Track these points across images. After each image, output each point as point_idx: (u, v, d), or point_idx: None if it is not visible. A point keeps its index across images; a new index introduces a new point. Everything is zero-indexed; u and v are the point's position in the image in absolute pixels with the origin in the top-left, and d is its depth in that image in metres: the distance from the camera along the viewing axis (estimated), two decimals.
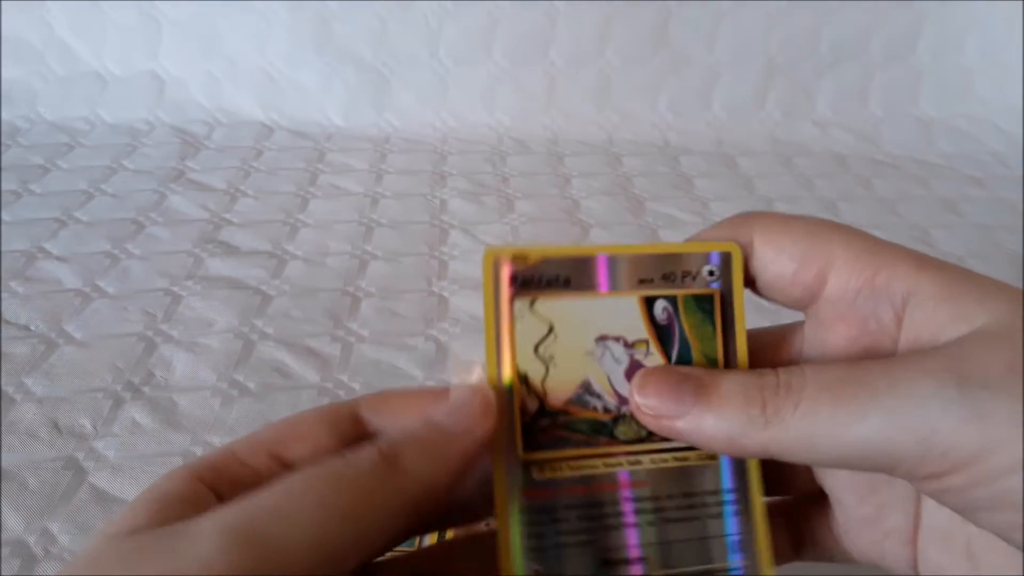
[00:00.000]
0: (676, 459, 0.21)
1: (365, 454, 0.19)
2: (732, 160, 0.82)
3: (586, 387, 0.21)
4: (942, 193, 0.76)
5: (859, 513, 0.22)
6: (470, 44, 0.88)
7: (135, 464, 0.42)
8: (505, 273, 0.21)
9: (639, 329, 0.21)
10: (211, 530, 0.17)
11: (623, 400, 0.21)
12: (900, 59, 0.92)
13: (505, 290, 0.21)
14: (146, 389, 0.47)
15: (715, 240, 0.22)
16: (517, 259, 0.21)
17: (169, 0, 0.87)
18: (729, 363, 0.22)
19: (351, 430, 0.22)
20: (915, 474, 0.18)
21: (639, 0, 0.88)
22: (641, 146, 0.85)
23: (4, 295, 0.55)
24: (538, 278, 0.21)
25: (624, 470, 0.21)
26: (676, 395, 0.20)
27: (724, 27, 0.89)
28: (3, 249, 0.61)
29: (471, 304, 0.56)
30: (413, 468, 0.19)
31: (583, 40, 0.89)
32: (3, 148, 0.79)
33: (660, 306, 0.21)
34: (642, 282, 0.21)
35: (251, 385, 0.48)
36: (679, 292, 0.22)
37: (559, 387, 0.21)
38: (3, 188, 0.71)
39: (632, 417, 0.21)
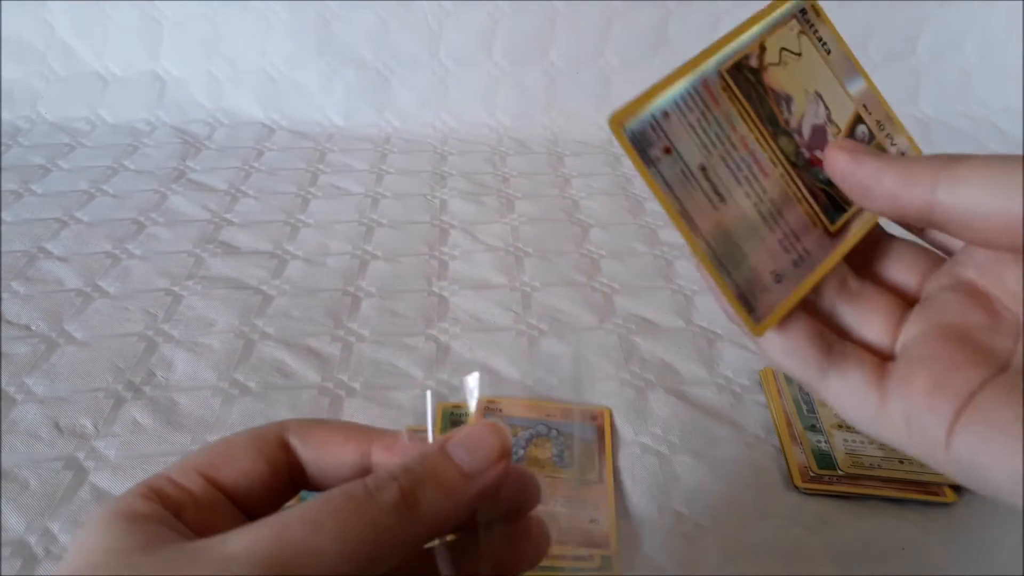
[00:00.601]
0: (794, 195, 0.24)
1: (387, 491, 0.19)
2: None
3: (787, 99, 0.25)
4: None
5: (924, 371, 0.21)
6: (470, 44, 0.88)
7: (136, 464, 0.42)
8: (797, 8, 0.27)
9: (842, 123, 0.26)
10: (244, 558, 0.17)
11: (800, 131, 0.25)
12: (900, 59, 0.92)
13: (794, 11, 0.26)
14: (147, 389, 0.47)
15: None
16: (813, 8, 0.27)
17: (170, 0, 0.87)
18: None
19: (279, 456, 0.22)
20: None
21: (639, 0, 0.88)
22: None
23: (5, 295, 0.55)
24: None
25: (762, 151, 0.24)
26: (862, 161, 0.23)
27: (724, 27, 0.89)
28: (4, 249, 0.61)
29: (471, 304, 0.56)
30: (430, 510, 0.20)
31: (583, 40, 0.89)
32: (4, 148, 0.79)
33: (861, 129, 0.26)
34: (865, 107, 0.27)
35: (251, 385, 0.48)
36: (878, 134, 0.27)
37: (775, 79, 0.25)
38: (4, 188, 0.71)
39: (797, 144, 0.25)
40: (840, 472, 0.41)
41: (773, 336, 0.23)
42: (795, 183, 0.24)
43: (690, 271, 0.61)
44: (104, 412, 0.45)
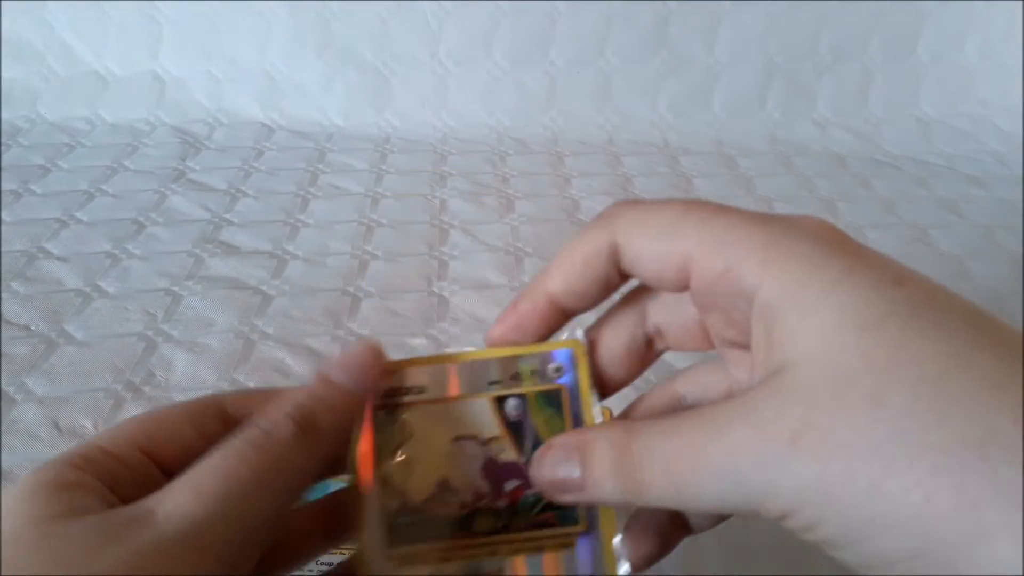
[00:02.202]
0: (532, 548, 0.22)
1: (284, 427, 0.20)
2: (732, 160, 0.82)
3: (443, 485, 0.22)
4: (942, 193, 0.76)
5: None
6: (470, 44, 0.88)
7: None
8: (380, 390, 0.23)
9: (493, 427, 0.23)
10: (175, 520, 0.18)
11: (480, 495, 0.22)
12: (900, 59, 0.92)
13: (367, 403, 0.23)
14: (146, 389, 0.47)
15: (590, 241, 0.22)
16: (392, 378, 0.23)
17: (169, 0, 0.87)
18: None
19: (216, 426, 0.22)
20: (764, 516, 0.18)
21: (639, 0, 0.88)
22: (641, 146, 0.85)
23: (5, 295, 0.55)
24: (397, 388, 0.23)
25: (481, 559, 0.22)
26: (567, 474, 0.21)
27: (724, 27, 0.89)
28: (4, 249, 0.61)
29: (471, 304, 0.56)
30: (328, 432, 0.21)
31: (583, 40, 0.89)
32: (4, 148, 0.79)
33: (511, 404, 0.23)
34: (492, 383, 0.23)
35: (251, 385, 0.48)
36: (528, 390, 0.23)
37: (419, 487, 0.22)
38: (4, 188, 0.71)
39: (488, 509, 0.22)
40: None
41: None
42: (524, 542, 0.23)
43: None
44: (104, 412, 0.45)
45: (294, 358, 0.50)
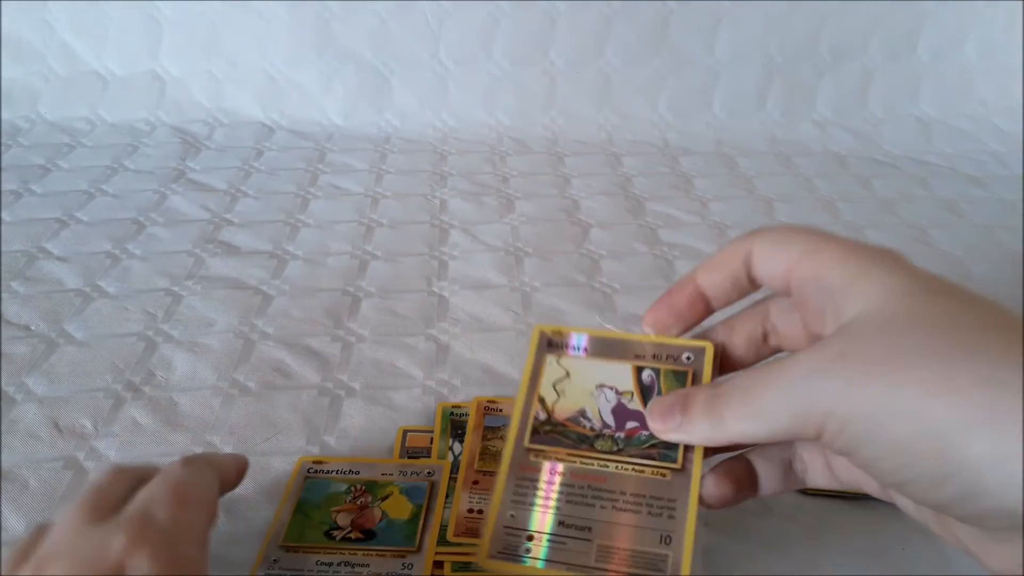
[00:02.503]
0: (635, 470, 0.30)
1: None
2: (732, 160, 0.82)
3: (581, 412, 0.31)
4: (942, 193, 0.76)
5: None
6: (470, 44, 0.88)
7: (136, 464, 0.42)
8: (544, 340, 0.33)
9: (629, 384, 0.31)
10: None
11: (606, 425, 0.31)
12: (900, 59, 0.92)
13: (544, 349, 0.33)
14: (146, 389, 0.47)
15: (731, 251, 0.30)
16: (555, 333, 0.33)
17: (169, 0, 0.87)
18: None
19: None
20: (811, 437, 0.25)
21: (639, 0, 0.88)
22: (641, 146, 0.85)
23: (5, 295, 0.55)
24: (567, 344, 0.33)
25: (593, 468, 0.30)
26: (669, 416, 0.29)
27: (724, 27, 0.89)
28: (4, 249, 0.61)
29: (471, 304, 0.56)
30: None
31: (583, 40, 0.89)
32: (4, 148, 0.79)
33: (646, 373, 0.32)
34: (637, 356, 0.32)
35: (251, 385, 0.48)
36: (662, 367, 0.32)
37: (564, 409, 0.31)
38: (4, 188, 0.71)
39: (609, 436, 0.30)
40: None
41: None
42: (630, 465, 0.30)
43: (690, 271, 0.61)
44: (104, 412, 0.45)
45: (294, 358, 0.50)
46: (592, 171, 0.79)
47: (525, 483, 0.30)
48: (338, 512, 0.37)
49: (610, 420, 0.31)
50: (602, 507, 0.29)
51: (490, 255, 0.63)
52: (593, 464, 0.30)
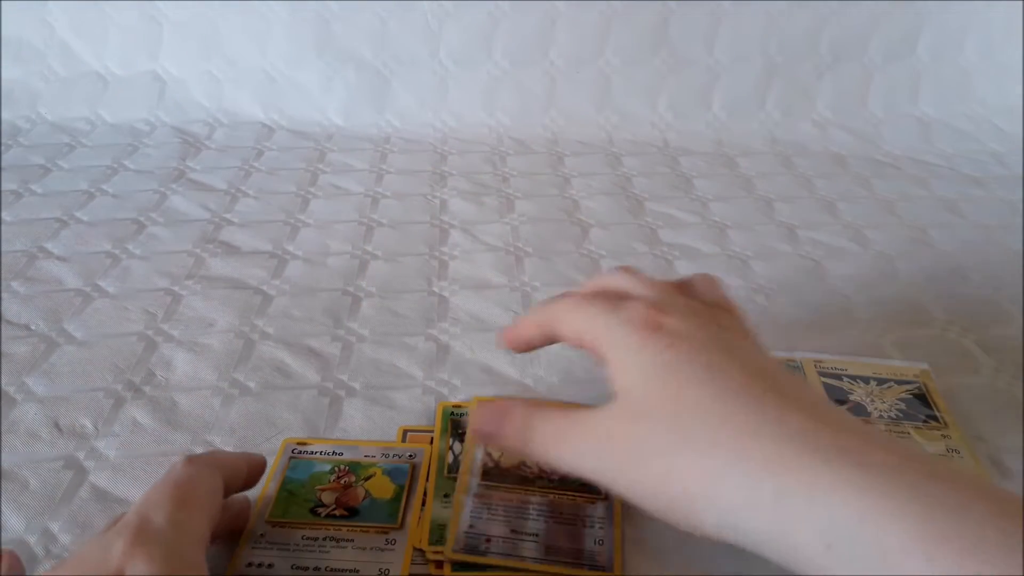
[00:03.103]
0: (567, 497, 0.38)
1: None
2: (732, 160, 0.82)
3: (524, 463, 0.40)
4: (942, 193, 0.76)
5: None
6: (470, 44, 0.88)
7: (136, 464, 0.42)
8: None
9: None
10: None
11: (544, 471, 0.39)
12: (900, 59, 0.92)
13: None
14: (147, 389, 0.47)
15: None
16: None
17: (170, 1, 0.87)
18: None
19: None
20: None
21: (639, 0, 0.88)
22: (641, 146, 0.85)
23: (5, 295, 0.55)
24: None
25: (534, 495, 0.38)
26: (490, 426, 0.33)
27: (724, 27, 0.89)
28: (4, 249, 0.61)
29: (471, 304, 0.56)
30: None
31: (583, 40, 0.89)
32: (4, 148, 0.79)
33: None
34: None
35: (251, 385, 0.48)
36: None
37: (508, 460, 0.40)
38: (4, 188, 0.71)
39: (546, 478, 0.38)
40: None
41: None
42: (562, 495, 0.38)
43: (690, 271, 0.61)
44: (104, 412, 0.45)
45: (294, 358, 0.50)
46: (592, 171, 0.79)
47: (480, 508, 0.37)
48: (323, 490, 0.38)
49: (546, 467, 0.38)
50: (545, 521, 0.36)
51: (490, 255, 0.63)
52: (536, 495, 0.38)
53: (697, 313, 0.31)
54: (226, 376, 0.48)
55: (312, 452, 0.41)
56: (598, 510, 0.37)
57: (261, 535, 0.36)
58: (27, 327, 0.52)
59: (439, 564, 0.35)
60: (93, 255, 0.61)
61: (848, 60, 0.91)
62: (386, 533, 0.36)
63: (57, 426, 0.44)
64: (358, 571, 0.34)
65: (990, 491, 0.23)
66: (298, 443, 0.42)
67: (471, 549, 0.35)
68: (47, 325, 0.52)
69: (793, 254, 0.64)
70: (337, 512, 0.37)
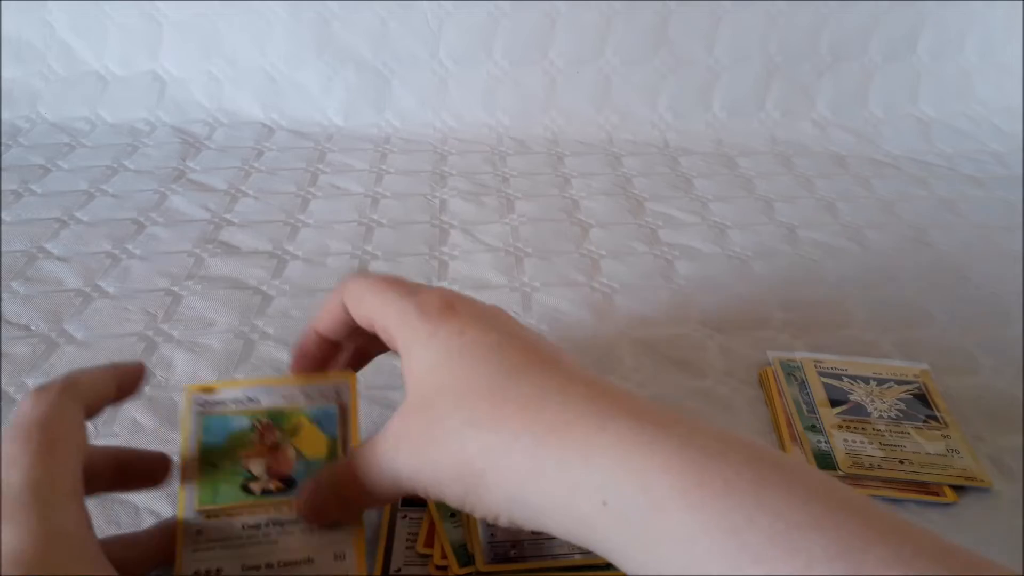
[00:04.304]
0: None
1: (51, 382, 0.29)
2: (732, 160, 0.82)
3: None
4: (941, 193, 0.76)
5: None
6: (470, 44, 0.88)
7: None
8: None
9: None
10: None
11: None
12: (900, 59, 0.92)
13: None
14: (147, 389, 0.47)
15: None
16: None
17: (170, 1, 0.87)
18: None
19: None
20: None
21: (639, 0, 0.88)
22: (641, 146, 0.85)
23: (5, 295, 0.55)
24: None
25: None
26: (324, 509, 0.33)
27: (724, 27, 0.89)
28: (4, 249, 0.61)
29: None
30: (84, 387, 0.30)
31: (583, 40, 0.89)
32: (4, 148, 0.79)
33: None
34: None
35: None
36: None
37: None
38: (4, 188, 0.71)
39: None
40: (840, 472, 0.41)
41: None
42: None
43: (690, 271, 0.61)
44: (104, 412, 0.45)
45: None
46: (592, 171, 0.79)
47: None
48: (248, 458, 0.33)
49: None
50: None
51: (490, 255, 0.63)
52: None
53: (481, 302, 0.31)
54: (226, 376, 0.48)
55: (221, 402, 0.34)
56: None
57: (198, 532, 0.31)
58: (27, 327, 0.52)
59: (442, 568, 0.35)
60: (93, 255, 0.61)
61: (848, 60, 0.91)
62: None
63: None
64: (312, 560, 0.31)
65: (745, 442, 0.24)
66: (202, 390, 0.34)
67: (501, 558, 0.34)
68: (47, 325, 0.52)
69: (793, 254, 0.64)
70: (272, 486, 0.32)
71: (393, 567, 0.35)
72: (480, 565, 0.34)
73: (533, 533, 0.36)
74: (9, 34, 0.86)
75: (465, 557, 0.35)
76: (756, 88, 0.90)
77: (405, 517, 0.38)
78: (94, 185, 0.72)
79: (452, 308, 0.29)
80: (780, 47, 0.90)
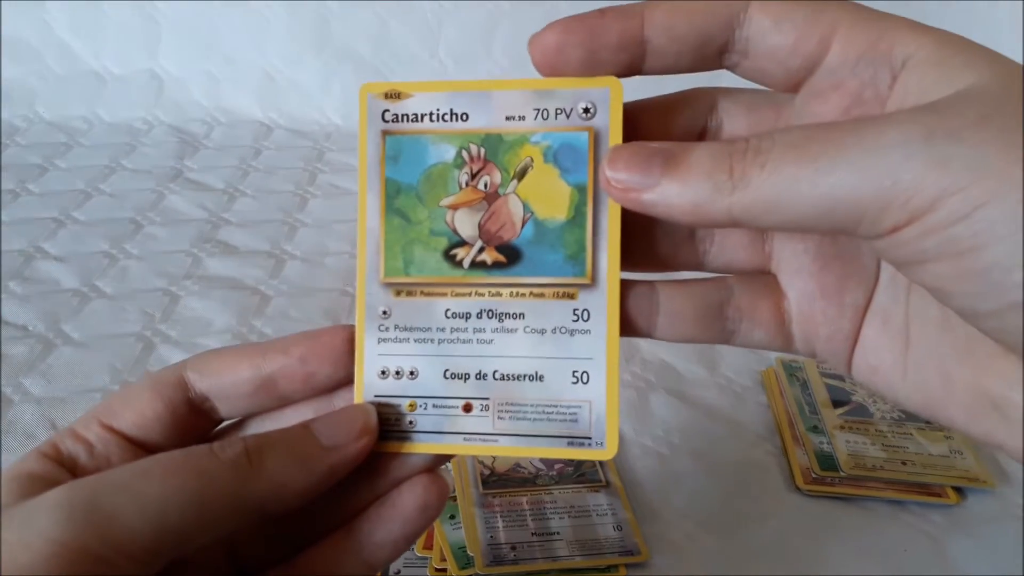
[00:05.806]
0: (571, 491, 0.29)
1: (231, 448, 0.20)
2: None
3: (517, 464, 0.29)
4: None
5: (810, 289, 0.22)
6: (470, 44, 0.88)
7: None
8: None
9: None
10: (52, 504, 0.18)
11: (539, 469, 0.30)
12: None
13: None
14: None
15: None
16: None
17: (168, 0, 0.86)
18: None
19: (177, 395, 0.22)
20: (876, 229, 0.17)
21: (639, 0, 0.87)
22: None
23: (3, 295, 0.55)
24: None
25: (538, 494, 0.27)
26: (645, 168, 0.19)
27: None
28: (1, 249, 0.61)
29: None
30: (274, 472, 0.20)
31: None
32: (2, 148, 0.79)
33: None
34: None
35: None
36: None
37: (504, 464, 0.31)
38: (1, 188, 0.70)
39: (546, 475, 0.30)
40: (842, 473, 0.41)
41: (663, 328, 0.23)
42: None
43: (690, 271, 0.61)
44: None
45: None
46: None
47: (489, 515, 0.35)
48: (454, 208, 0.23)
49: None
50: (560, 517, 0.36)
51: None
52: (539, 493, 0.37)
53: None
54: None
55: (414, 116, 0.22)
56: (602, 498, 0.38)
57: (383, 313, 0.23)
58: (25, 328, 0.52)
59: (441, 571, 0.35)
60: (90, 255, 0.61)
61: None
62: (571, 298, 0.22)
63: (55, 427, 0.44)
64: (542, 377, 0.22)
65: None
66: (385, 95, 0.23)
67: (500, 560, 0.35)
68: (45, 326, 0.52)
69: None
70: (488, 257, 0.22)
71: (393, 569, 0.35)
72: (479, 567, 0.34)
73: (533, 534, 0.36)
74: (7, 33, 0.86)
75: (464, 559, 0.35)
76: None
77: None
78: (91, 184, 0.72)
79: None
80: None
